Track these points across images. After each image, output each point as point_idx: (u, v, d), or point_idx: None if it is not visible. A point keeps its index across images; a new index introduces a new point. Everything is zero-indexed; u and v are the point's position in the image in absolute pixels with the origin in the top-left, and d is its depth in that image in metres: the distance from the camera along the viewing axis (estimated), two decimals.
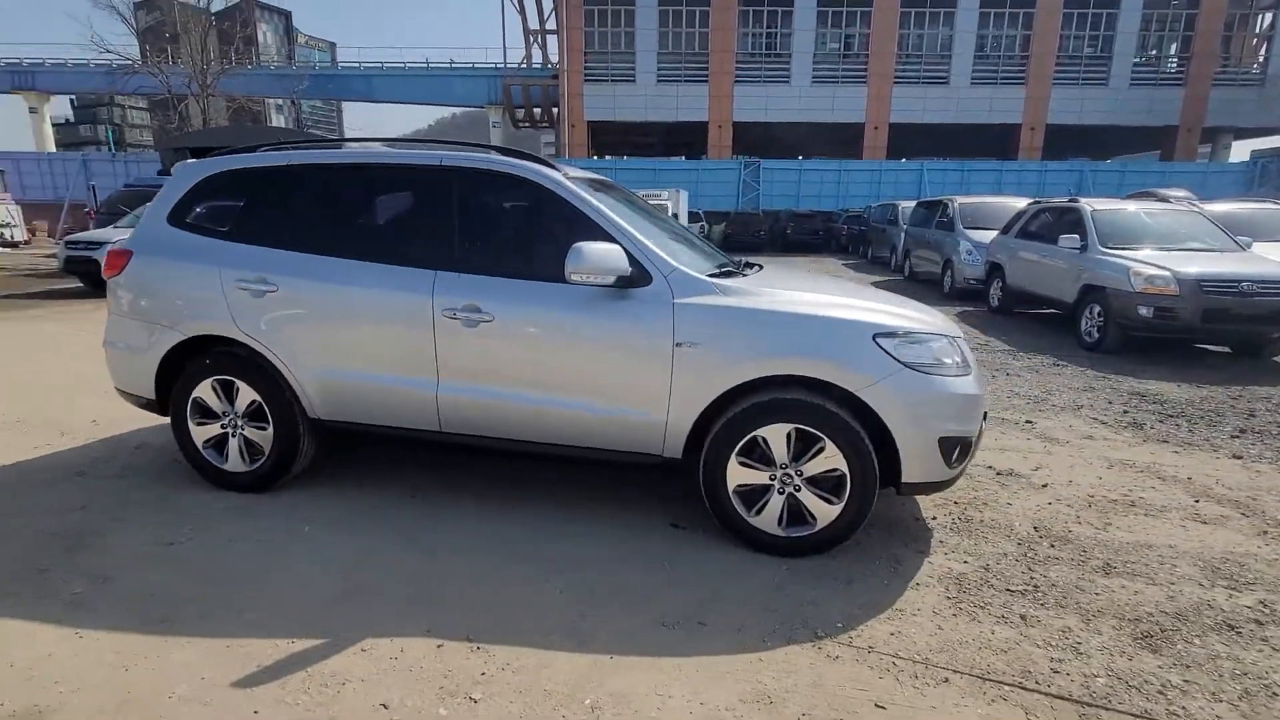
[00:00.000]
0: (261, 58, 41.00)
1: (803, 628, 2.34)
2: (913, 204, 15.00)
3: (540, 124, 35.50)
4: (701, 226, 22.97)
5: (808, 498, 2.70)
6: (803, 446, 2.65)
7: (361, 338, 3.02)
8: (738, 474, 2.73)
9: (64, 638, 2.23)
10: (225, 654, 2.16)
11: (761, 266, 3.46)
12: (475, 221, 3.03)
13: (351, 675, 2.08)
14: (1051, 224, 8.36)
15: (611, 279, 2.67)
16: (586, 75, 30.23)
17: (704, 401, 2.72)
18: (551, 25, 32.17)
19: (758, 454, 2.69)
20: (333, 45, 61.41)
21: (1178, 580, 2.67)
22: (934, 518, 3.20)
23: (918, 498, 3.32)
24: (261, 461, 3.21)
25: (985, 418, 2.91)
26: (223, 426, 3.22)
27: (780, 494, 2.72)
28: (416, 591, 2.55)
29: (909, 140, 30.91)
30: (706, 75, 29.60)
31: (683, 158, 32.46)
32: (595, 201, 2.91)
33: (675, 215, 18.52)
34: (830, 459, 2.63)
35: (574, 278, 2.64)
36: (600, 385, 2.83)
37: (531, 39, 33.84)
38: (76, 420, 4.43)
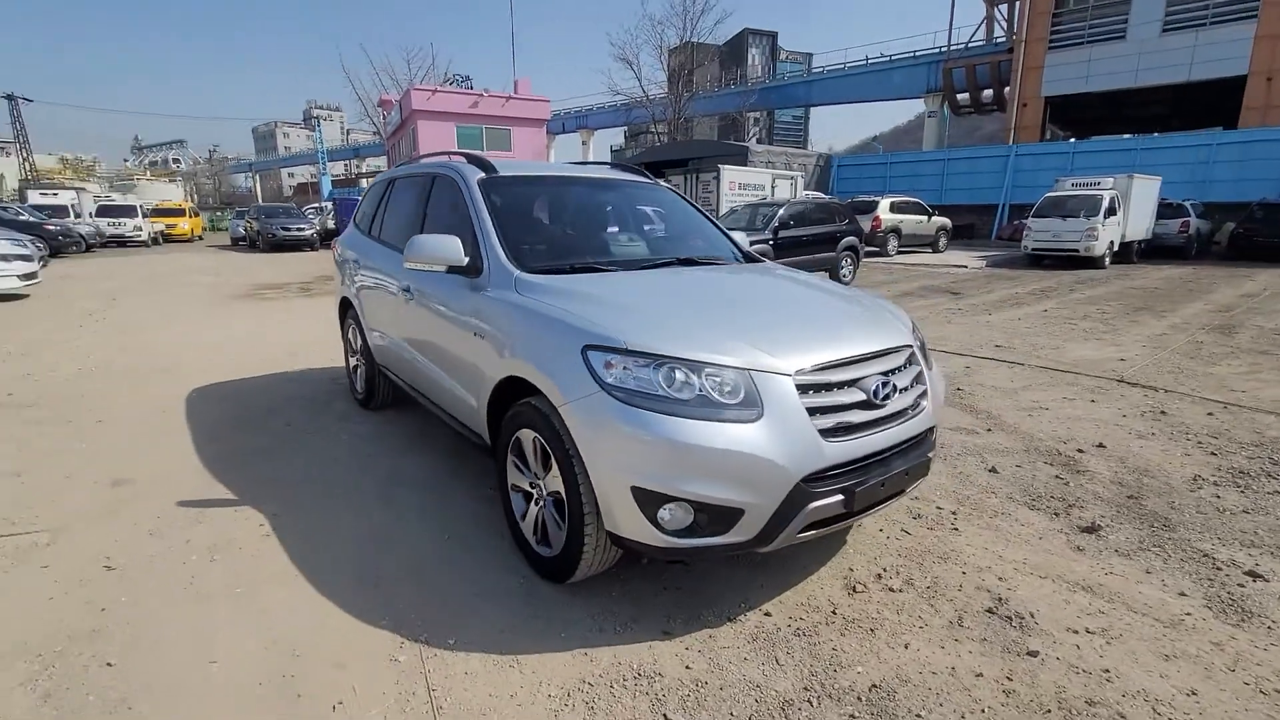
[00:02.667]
0: (749, 79, 47.09)
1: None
2: None
3: (986, 108, 30.93)
4: (1186, 225, 16.63)
5: (549, 515, 2.45)
6: (547, 459, 2.41)
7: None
8: (512, 473, 2.65)
9: None
10: None
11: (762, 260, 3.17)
12: (431, 213, 3.60)
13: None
14: None
15: (443, 267, 2.91)
16: (1052, 41, 24.99)
17: (485, 393, 2.72)
18: None
19: (525, 458, 2.57)
20: (809, 56, 65.57)
21: None
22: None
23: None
24: None
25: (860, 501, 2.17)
26: None
27: (536, 504, 2.53)
28: None
29: None
30: (1255, 9, 20.86)
31: (1219, 129, 23.51)
32: (479, 196, 3.13)
33: (1112, 210, 14.18)
34: (555, 479, 2.34)
35: (405, 264, 2.97)
36: (454, 364, 3.08)
37: (993, 6, 29.53)
38: None
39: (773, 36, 61.96)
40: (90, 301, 10.41)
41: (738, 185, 14.12)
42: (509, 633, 2.23)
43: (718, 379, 2.10)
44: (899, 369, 2.44)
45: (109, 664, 2.07)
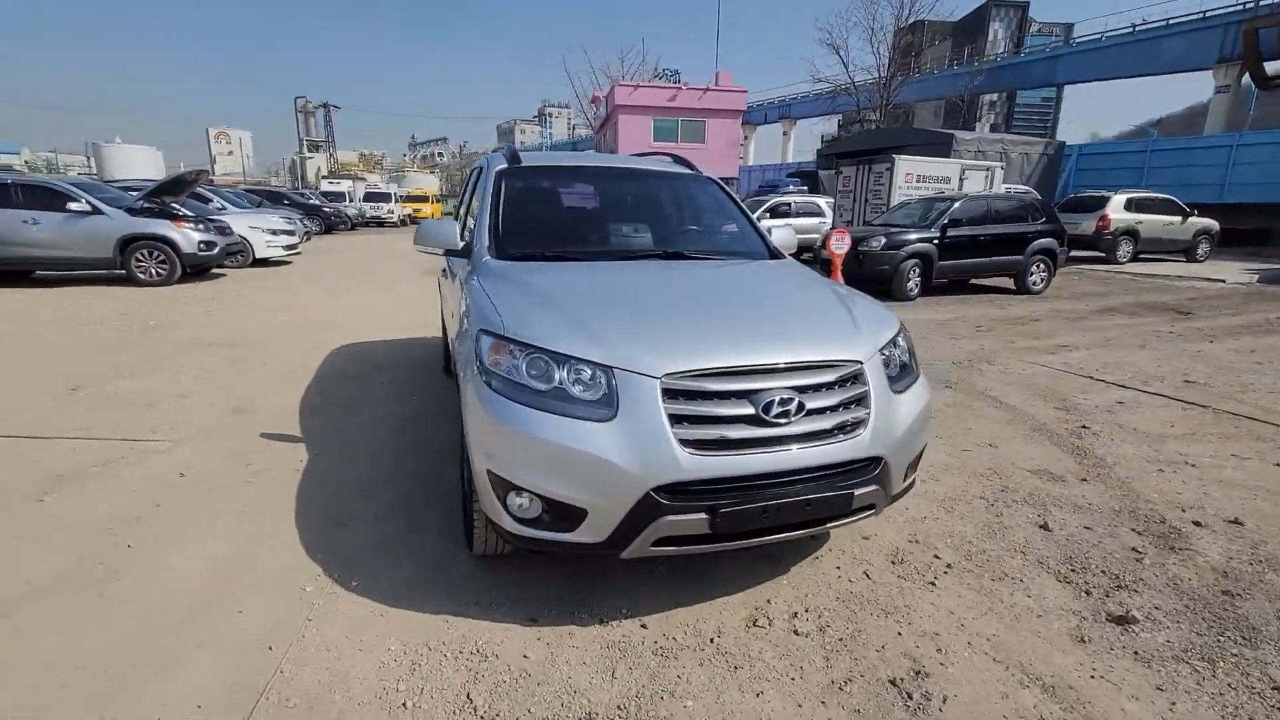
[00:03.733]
0: (986, 56, 42.04)
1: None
2: None
3: None
4: None
5: None
6: None
7: None
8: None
9: None
10: None
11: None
12: (473, 201, 3.86)
13: None
14: None
15: (440, 250, 3.16)
16: None
17: None
18: None
19: None
20: (1067, 28, 56.67)
21: None
22: None
23: None
24: None
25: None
26: None
27: None
28: None
29: None
30: None
31: None
32: (491, 185, 3.33)
33: None
34: None
35: (415, 247, 3.26)
36: (457, 339, 3.33)
37: None
38: None
39: (1023, 7, 54.18)
40: (326, 269, 12.85)
41: (915, 177, 12.69)
42: (405, 587, 2.42)
43: (579, 374, 2.04)
44: (820, 387, 2.14)
45: (129, 545, 2.67)
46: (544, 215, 3.50)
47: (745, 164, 42.65)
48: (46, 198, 9.85)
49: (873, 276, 9.90)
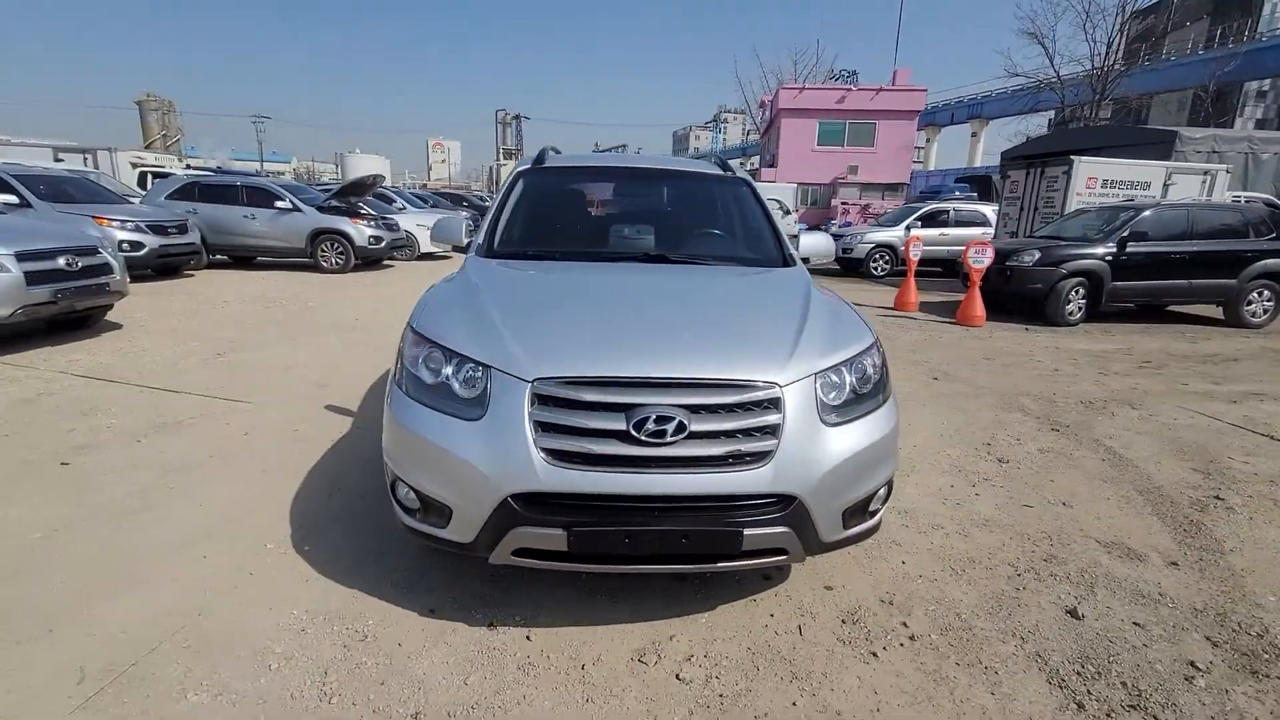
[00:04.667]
0: (1258, 34, 34.77)
1: None
2: None
3: None
4: None
5: None
6: None
7: None
8: None
9: None
10: None
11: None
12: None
13: None
14: None
15: (449, 246, 3.30)
16: None
17: None
18: None
19: None
20: None
21: None
22: None
23: None
24: None
25: None
26: None
27: None
28: None
29: None
30: None
31: None
32: (508, 184, 3.43)
33: None
34: None
35: (432, 243, 3.42)
36: None
37: None
38: None
39: None
40: None
41: (1099, 181, 10.69)
42: (346, 559, 2.58)
43: (463, 372, 2.03)
44: (716, 408, 1.91)
45: (170, 488, 3.15)
46: (548, 215, 3.51)
47: (924, 168, 39.30)
48: (262, 197, 11.95)
49: (1022, 296, 8.62)
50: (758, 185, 3.65)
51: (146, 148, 44.46)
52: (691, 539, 1.86)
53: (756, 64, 61.58)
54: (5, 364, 5.16)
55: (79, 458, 3.47)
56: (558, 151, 3.95)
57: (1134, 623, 2.32)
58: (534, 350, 2.00)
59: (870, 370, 2.21)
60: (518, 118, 71.04)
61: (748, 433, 1.92)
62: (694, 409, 1.90)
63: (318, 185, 17.66)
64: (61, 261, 5.57)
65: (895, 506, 3.17)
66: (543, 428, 1.88)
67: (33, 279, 5.30)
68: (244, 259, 12.70)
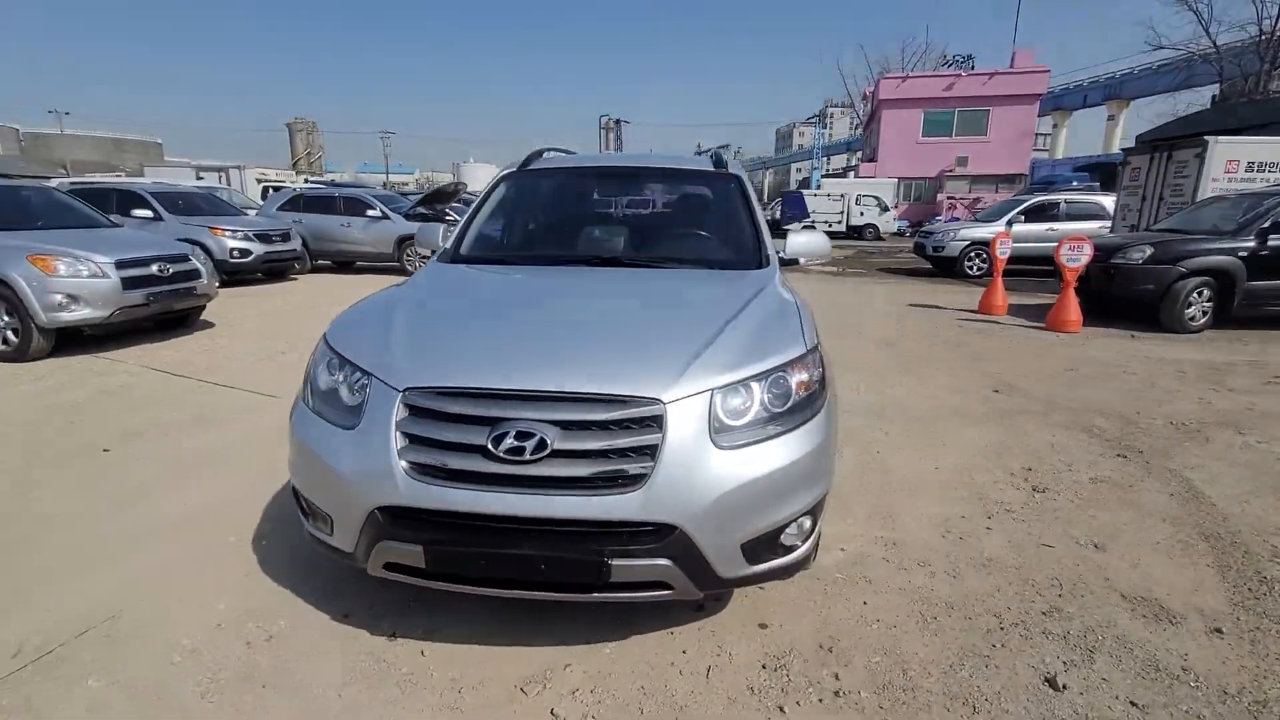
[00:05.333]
0: None
1: None
2: None
3: None
4: None
5: None
6: None
7: None
8: None
9: None
10: None
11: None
12: None
13: None
14: None
15: (428, 251, 3.32)
16: None
17: None
18: None
19: None
20: None
21: None
22: None
23: None
24: None
25: None
26: None
27: None
28: None
29: None
30: None
31: None
32: (489, 188, 3.41)
33: None
34: None
35: (416, 247, 3.46)
36: None
37: None
38: None
39: None
40: None
41: (1241, 165, 9.05)
42: (293, 557, 2.63)
43: (350, 380, 2.00)
44: (589, 425, 1.75)
45: (190, 473, 3.41)
46: (522, 218, 3.44)
47: (1050, 157, 35.73)
48: (356, 206, 12.89)
49: (1130, 299, 7.55)
50: (855, 181, 3.39)
51: (294, 165, 49.58)
52: (549, 566, 1.72)
53: (861, 56, 58.41)
54: (105, 358, 5.86)
55: (120, 446, 3.84)
56: (570, 152, 3.89)
57: (1131, 702, 1.90)
58: (413, 358, 1.94)
59: (793, 386, 1.96)
60: (618, 122, 72.31)
61: (621, 453, 1.75)
62: (565, 425, 1.76)
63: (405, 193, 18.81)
64: (154, 268, 6.25)
65: (885, 537, 2.83)
66: (410, 439, 1.81)
67: (128, 284, 5.98)
68: (344, 264, 13.76)
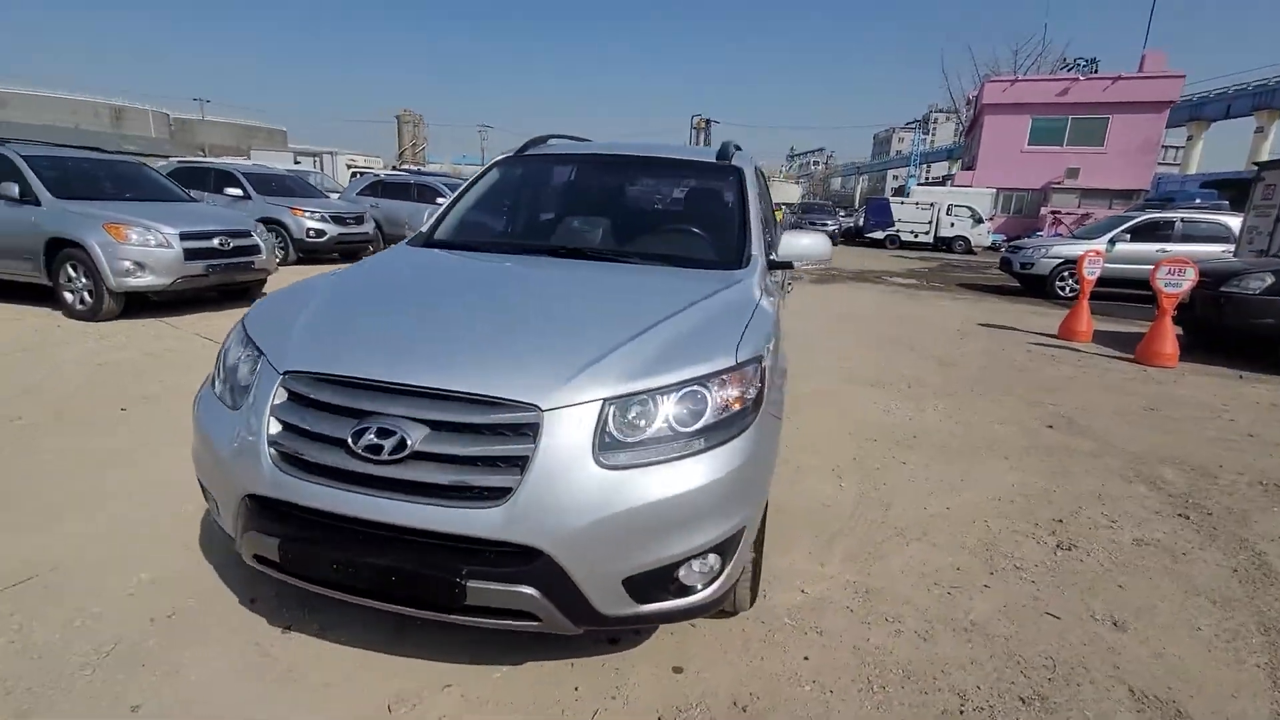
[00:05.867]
0: None
1: None
2: None
3: None
4: None
5: None
6: None
7: None
8: None
9: None
10: None
11: None
12: None
13: None
14: None
15: (412, 233, 3.24)
16: None
17: None
18: None
19: None
20: None
21: None
22: None
23: None
24: None
25: None
26: None
27: None
28: None
29: None
30: None
31: None
32: (482, 172, 3.31)
33: None
34: None
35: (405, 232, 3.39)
36: None
37: None
38: None
39: None
40: None
41: None
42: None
43: (248, 358, 1.91)
44: (459, 428, 1.57)
45: (170, 444, 3.51)
46: (505, 205, 3.29)
47: (1181, 172, 32.27)
48: (428, 193, 13.32)
49: (1243, 333, 6.57)
50: (949, 190, 3.07)
51: (399, 155, 52.50)
52: (399, 580, 1.56)
53: (969, 58, 54.70)
54: (165, 324, 6.25)
55: (137, 407, 4.02)
56: (581, 140, 3.74)
57: None
58: (303, 341, 1.82)
59: (711, 402, 1.70)
60: (708, 122, 71.83)
61: (490, 462, 1.56)
62: (436, 426, 1.59)
63: None
64: (215, 241, 6.62)
65: (859, 583, 2.49)
66: (284, 426, 1.70)
67: (190, 254, 6.36)
68: None
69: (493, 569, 1.54)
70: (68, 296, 6.21)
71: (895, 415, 4.61)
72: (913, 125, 78.50)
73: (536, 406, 1.56)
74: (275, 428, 1.70)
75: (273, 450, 1.68)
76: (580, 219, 3.10)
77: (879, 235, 24.30)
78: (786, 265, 2.82)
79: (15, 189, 6.21)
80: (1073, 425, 4.58)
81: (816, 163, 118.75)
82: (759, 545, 1.96)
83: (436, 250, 2.79)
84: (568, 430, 1.56)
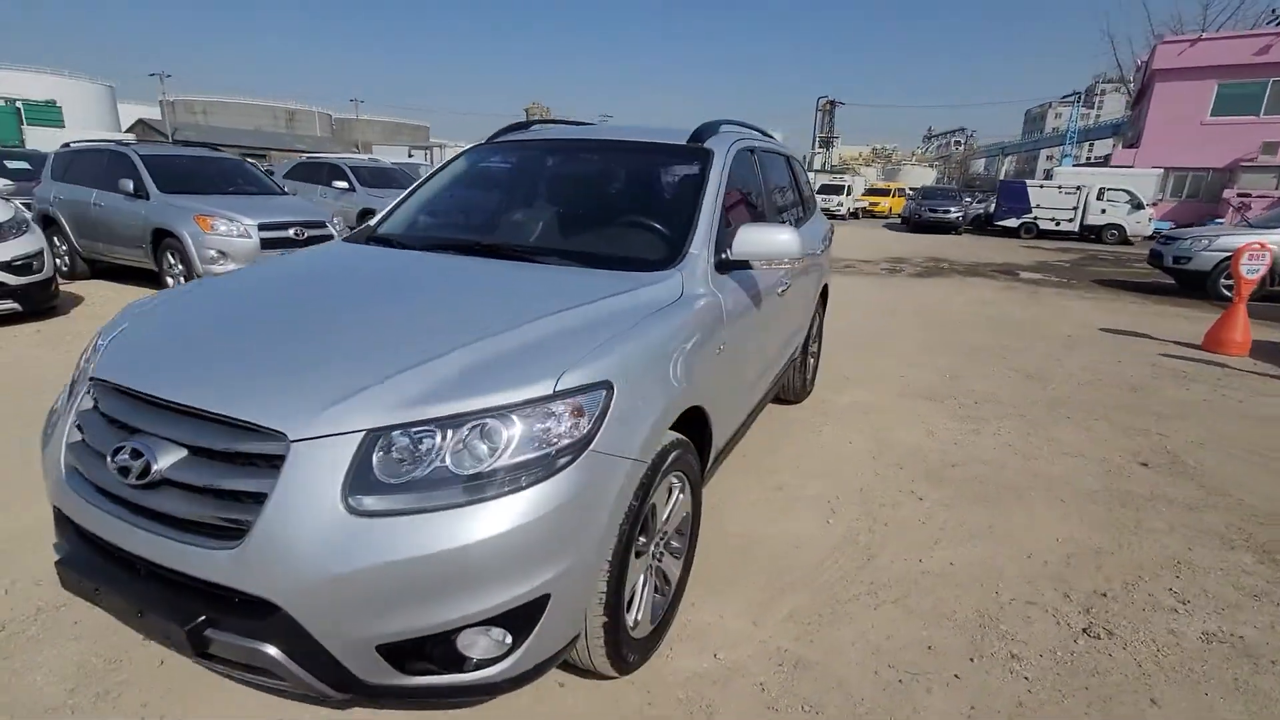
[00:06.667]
0: None
1: None
2: None
3: None
4: None
5: None
6: None
7: None
8: None
9: None
10: None
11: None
12: None
13: None
14: None
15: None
16: None
17: None
18: None
19: None
20: None
21: None
22: None
23: None
24: None
25: None
26: None
27: None
28: None
29: None
30: None
31: None
32: (441, 165, 3.14)
33: None
34: None
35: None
36: None
37: None
38: None
39: None
40: None
41: None
42: None
43: (89, 359, 1.84)
44: (213, 455, 1.39)
45: None
46: (456, 197, 3.03)
47: None
48: None
49: None
50: (1104, 171, 2.58)
51: None
52: (144, 617, 1.40)
53: (1143, 15, 47.01)
54: None
55: None
56: (580, 124, 3.48)
57: None
58: (120, 344, 1.73)
59: (507, 438, 1.38)
60: (833, 104, 68.28)
61: (232, 495, 1.36)
62: (196, 450, 1.41)
63: None
64: (290, 231, 7.07)
65: (792, 653, 2.06)
66: (80, 435, 1.61)
67: (265, 244, 6.84)
68: None
69: (235, 619, 1.35)
70: (169, 281, 6.91)
71: (939, 438, 3.93)
72: (1070, 99, 69.37)
73: (283, 435, 1.34)
74: (75, 435, 1.62)
75: (69, 457, 1.60)
76: (523, 211, 2.83)
77: (1012, 223, 21.73)
78: (742, 265, 2.39)
79: (131, 185, 6.99)
80: (1176, 464, 3.67)
81: (958, 142, 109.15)
82: (611, 608, 1.62)
83: (361, 246, 2.64)
84: (317, 464, 1.32)
